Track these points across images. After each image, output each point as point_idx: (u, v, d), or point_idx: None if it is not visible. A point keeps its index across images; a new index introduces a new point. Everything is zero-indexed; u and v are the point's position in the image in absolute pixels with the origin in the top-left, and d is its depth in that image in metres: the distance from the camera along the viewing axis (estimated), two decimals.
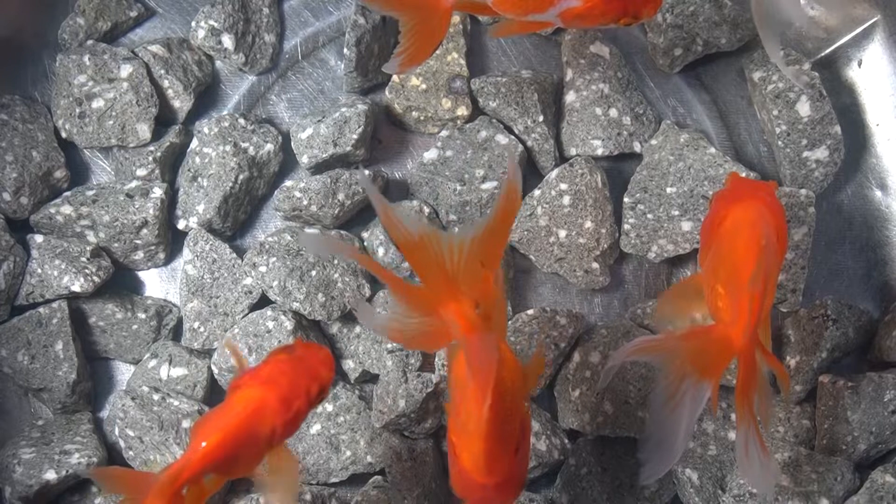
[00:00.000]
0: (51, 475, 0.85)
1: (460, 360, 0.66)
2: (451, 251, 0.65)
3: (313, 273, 0.89)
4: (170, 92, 0.96)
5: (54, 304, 0.90)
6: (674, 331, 0.79)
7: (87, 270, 0.90)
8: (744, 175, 0.92)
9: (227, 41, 0.97)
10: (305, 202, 0.91)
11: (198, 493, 0.70)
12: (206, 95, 0.99)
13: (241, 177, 0.93)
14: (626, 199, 0.94)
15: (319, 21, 1.01)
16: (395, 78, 0.97)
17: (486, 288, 0.66)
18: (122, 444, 0.88)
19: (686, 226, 0.93)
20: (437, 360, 0.90)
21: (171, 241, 0.95)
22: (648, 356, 0.71)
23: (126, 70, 0.94)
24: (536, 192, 0.94)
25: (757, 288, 0.69)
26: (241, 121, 0.95)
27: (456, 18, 0.98)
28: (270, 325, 0.89)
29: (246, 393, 0.70)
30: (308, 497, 0.87)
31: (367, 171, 0.88)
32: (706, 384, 0.68)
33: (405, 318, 0.67)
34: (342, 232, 0.93)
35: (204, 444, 0.68)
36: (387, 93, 0.97)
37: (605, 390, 0.89)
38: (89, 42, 0.96)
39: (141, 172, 0.94)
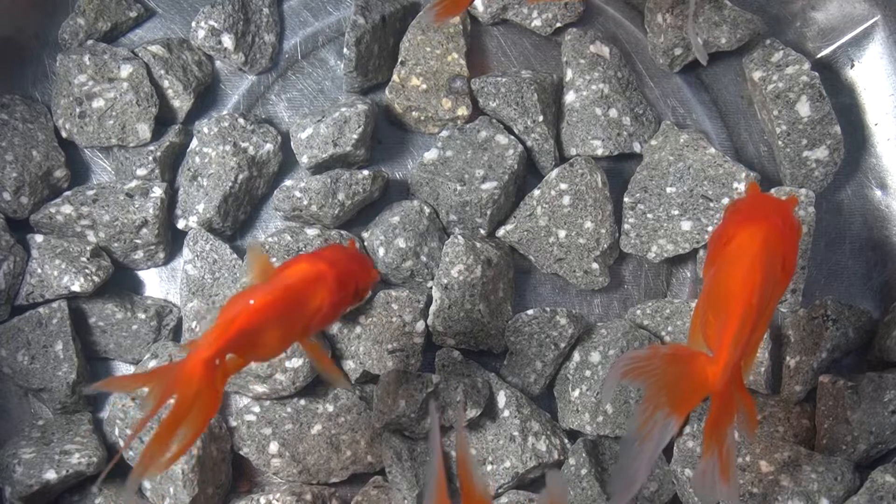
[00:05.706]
0: (51, 475, 0.85)
1: None
2: None
3: None
4: (170, 92, 0.96)
5: (54, 304, 0.90)
6: (659, 347, 0.78)
7: (87, 270, 0.90)
8: (744, 175, 0.92)
9: (227, 41, 0.97)
10: (305, 202, 0.91)
11: (222, 373, 0.68)
12: (206, 95, 0.99)
13: (240, 176, 0.93)
14: (625, 199, 0.94)
15: (319, 21, 1.01)
16: (395, 78, 0.97)
17: None
18: (122, 444, 0.88)
19: (686, 225, 0.93)
20: (436, 360, 0.91)
21: (171, 241, 0.95)
22: (637, 378, 0.70)
23: (126, 70, 0.94)
24: (536, 192, 0.94)
25: (744, 332, 0.68)
26: (241, 121, 0.95)
27: (456, 19, 0.98)
28: None
29: (306, 265, 0.71)
30: (308, 497, 0.87)
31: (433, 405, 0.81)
32: (674, 420, 0.67)
33: None
34: (342, 232, 0.93)
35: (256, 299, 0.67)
36: (387, 93, 0.97)
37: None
38: (89, 42, 0.96)
39: (141, 172, 0.94)
